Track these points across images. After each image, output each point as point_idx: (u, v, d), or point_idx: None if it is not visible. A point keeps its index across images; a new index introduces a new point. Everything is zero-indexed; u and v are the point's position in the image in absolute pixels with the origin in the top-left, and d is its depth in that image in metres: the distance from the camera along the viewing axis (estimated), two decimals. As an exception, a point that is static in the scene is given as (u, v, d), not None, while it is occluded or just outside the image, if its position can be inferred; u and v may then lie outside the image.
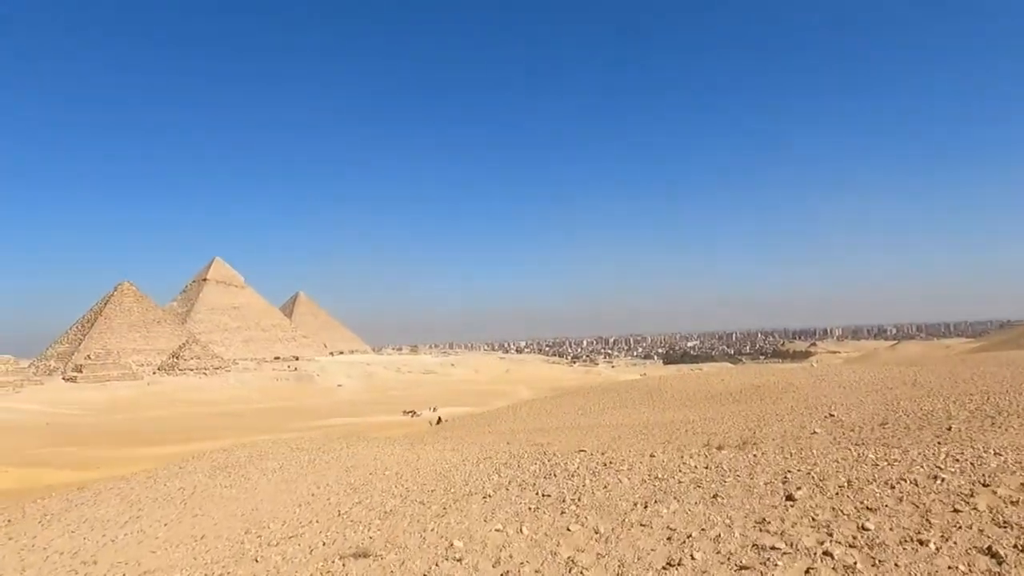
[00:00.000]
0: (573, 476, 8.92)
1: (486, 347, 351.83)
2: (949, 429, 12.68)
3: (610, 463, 9.57)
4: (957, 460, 6.61)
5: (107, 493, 15.52)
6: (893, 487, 6.00)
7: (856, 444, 12.11)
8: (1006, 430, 11.83)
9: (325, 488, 11.65)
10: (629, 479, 8.12)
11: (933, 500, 5.63)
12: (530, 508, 7.62)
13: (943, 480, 6.05)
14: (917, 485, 5.99)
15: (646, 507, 6.77)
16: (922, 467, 6.53)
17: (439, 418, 42.64)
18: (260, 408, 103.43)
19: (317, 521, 9.08)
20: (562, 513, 7.14)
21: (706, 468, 8.13)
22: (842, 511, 5.80)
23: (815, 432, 14.96)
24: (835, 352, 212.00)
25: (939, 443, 10.99)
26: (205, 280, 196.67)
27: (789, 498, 6.31)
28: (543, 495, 8.14)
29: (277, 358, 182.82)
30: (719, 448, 13.33)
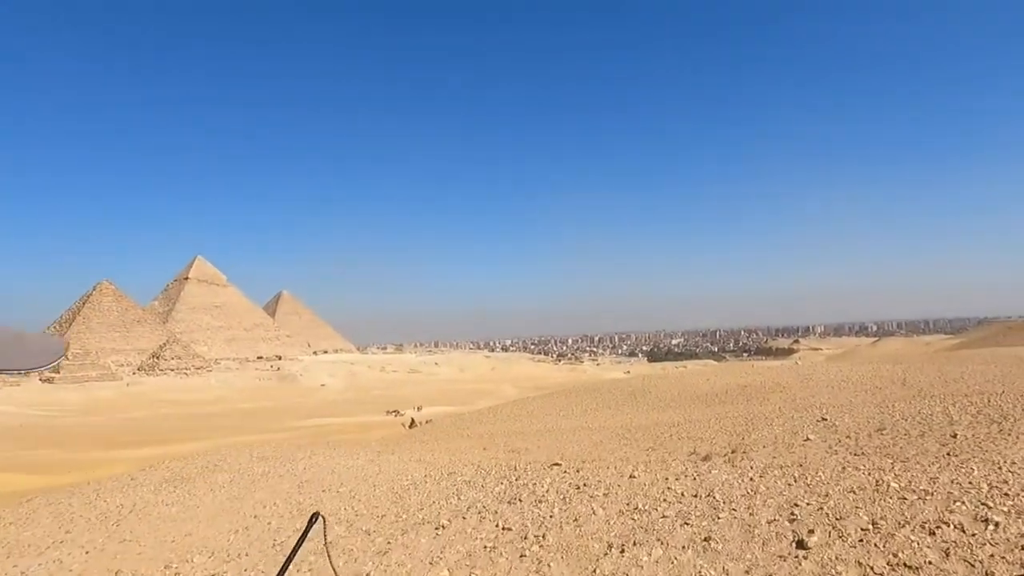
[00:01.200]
0: (541, 502, 7.73)
1: (471, 346, 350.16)
2: (954, 436, 11.66)
3: (584, 485, 8.41)
4: (1006, 494, 5.41)
5: (43, 510, 14.20)
6: (933, 533, 4.73)
7: (855, 453, 11.07)
8: (1017, 439, 10.81)
9: (271, 508, 10.45)
10: (604, 509, 6.94)
11: (991, 556, 4.39)
12: (486, 547, 6.41)
13: (996, 525, 4.81)
14: (964, 531, 4.71)
15: (622, 551, 5.55)
16: (963, 503, 5.32)
17: (412, 420, 41.30)
18: (242, 408, 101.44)
19: (247, 554, 7.88)
20: (521, 557, 5.94)
21: (695, 496, 6.91)
22: (872, 569, 4.54)
23: (808, 439, 13.92)
24: (817, 349, 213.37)
25: (948, 454, 9.95)
26: (187, 279, 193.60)
27: (800, 545, 5.05)
28: (504, 528, 6.92)
29: (260, 358, 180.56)
30: (706, 458, 12.23)
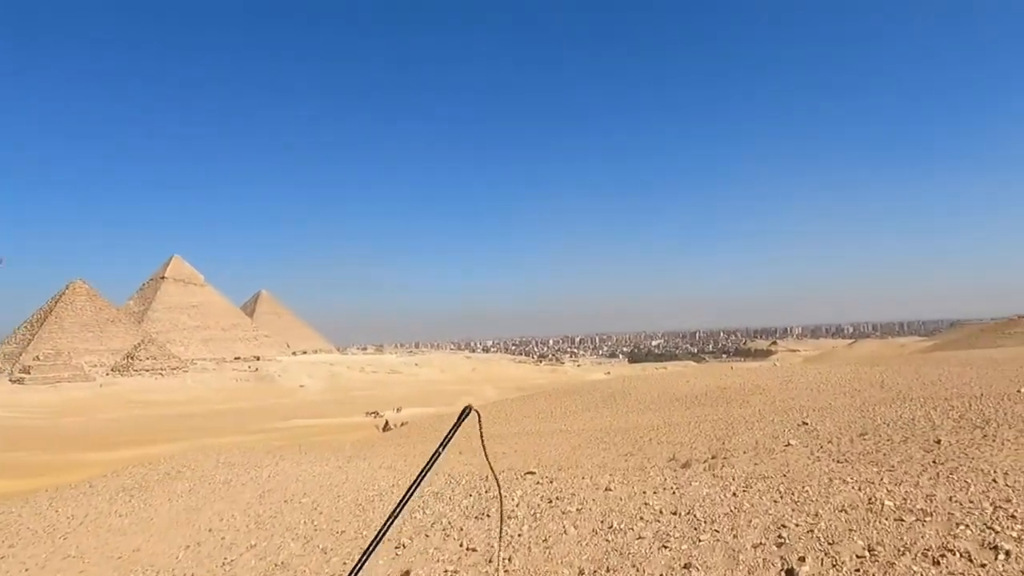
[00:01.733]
0: (510, 518, 7.21)
1: (452, 346, 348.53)
2: (938, 442, 11.37)
3: (557, 499, 7.92)
4: (1013, 516, 4.95)
5: (-8, 521, 13.43)
6: (937, 562, 4.21)
7: (838, 461, 10.72)
8: (1003, 445, 10.54)
9: (227, 521, 9.84)
10: (577, 528, 6.44)
11: (1006, 595, 3.93)
12: (447, 571, 5.90)
13: (1007, 554, 4.33)
14: (971, 561, 4.23)
15: (594, 581, 5.06)
16: (967, 526, 4.85)
17: (387, 422, 40.53)
18: (218, 409, 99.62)
19: (194, 574, 7.29)
20: (484, 584, 5.44)
21: (674, 514, 6.42)
22: (873, 606, 4.06)
23: (789, 444, 13.58)
24: (795, 350, 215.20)
25: (935, 462, 9.63)
26: (163, 278, 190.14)
27: (790, 574, 4.57)
28: (468, 548, 6.40)
29: (237, 358, 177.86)
30: (686, 465, 11.83)
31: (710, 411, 25.85)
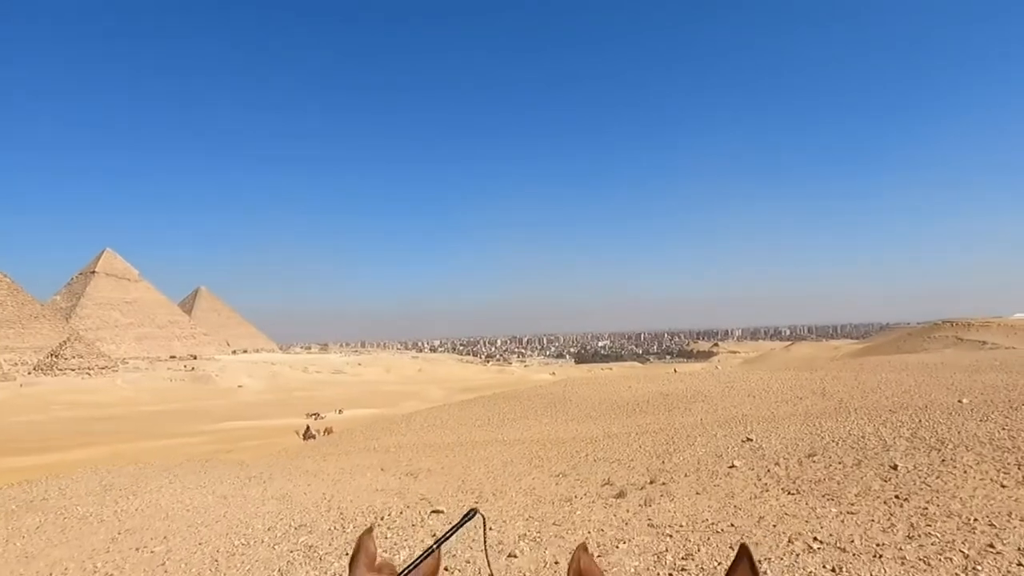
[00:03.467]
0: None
1: (399, 346, 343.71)
2: (894, 468, 10.29)
3: (452, 556, 6.36)
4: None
5: None
6: None
7: (789, 492, 9.50)
8: (965, 472, 9.51)
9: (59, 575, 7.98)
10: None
11: None
12: None
13: None
14: None
15: None
16: None
17: (307, 428, 38.29)
18: (148, 411, 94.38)
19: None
20: None
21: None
22: None
23: (734, 465, 12.39)
24: (735, 352, 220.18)
25: (897, 496, 8.46)
26: (94, 273, 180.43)
27: None
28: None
29: (173, 357, 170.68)
30: (620, 495, 10.45)
31: (652, 420, 24.80)
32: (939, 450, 11.13)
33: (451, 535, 2.03)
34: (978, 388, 23.13)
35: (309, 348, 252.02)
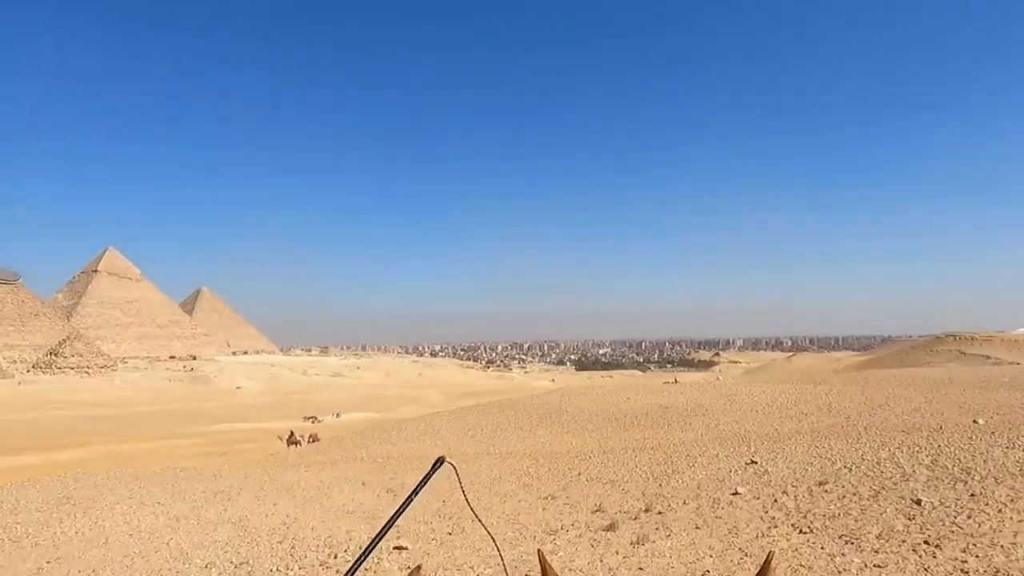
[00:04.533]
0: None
1: (400, 350, 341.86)
2: (918, 503, 9.24)
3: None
4: None
5: None
6: None
7: (801, 530, 8.45)
8: (1000, 513, 8.47)
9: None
10: None
11: None
12: None
13: None
14: None
15: None
16: None
17: (291, 434, 37.11)
18: (145, 411, 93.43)
19: None
20: None
21: None
22: None
23: (737, 492, 11.33)
24: (736, 362, 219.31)
25: (926, 542, 7.42)
26: (95, 271, 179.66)
27: None
28: None
29: (172, 357, 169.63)
30: (610, 528, 9.40)
31: (650, 434, 23.74)
32: (965, 482, 10.07)
33: (421, 489, 2.10)
34: (991, 408, 22.06)
35: (309, 351, 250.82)
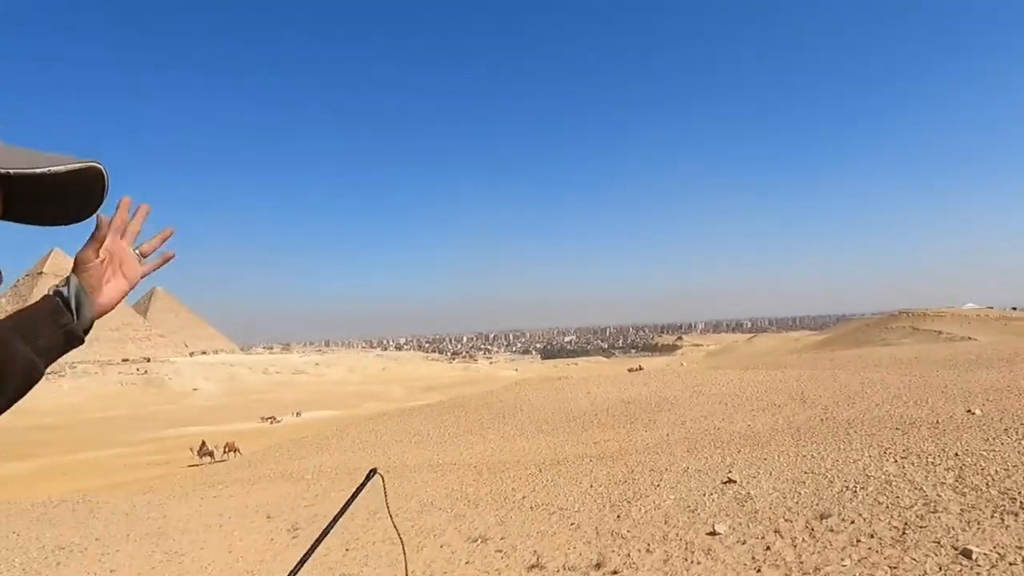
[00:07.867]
0: None
1: (364, 345, 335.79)
2: (968, 556, 6.79)
3: None
4: None
5: None
6: None
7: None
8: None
9: None
10: None
11: None
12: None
13: None
14: None
15: None
16: None
17: (203, 444, 33.94)
18: (94, 418, 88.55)
19: None
20: None
21: None
22: None
23: (715, 532, 8.79)
24: (699, 345, 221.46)
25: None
26: (41, 274, 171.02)
27: None
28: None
29: (125, 360, 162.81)
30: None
31: (611, 436, 21.31)
32: (1016, 515, 7.62)
33: (353, 500, 2.09)
34: (977, 392, 20.02)
35: (271, 348, 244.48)
